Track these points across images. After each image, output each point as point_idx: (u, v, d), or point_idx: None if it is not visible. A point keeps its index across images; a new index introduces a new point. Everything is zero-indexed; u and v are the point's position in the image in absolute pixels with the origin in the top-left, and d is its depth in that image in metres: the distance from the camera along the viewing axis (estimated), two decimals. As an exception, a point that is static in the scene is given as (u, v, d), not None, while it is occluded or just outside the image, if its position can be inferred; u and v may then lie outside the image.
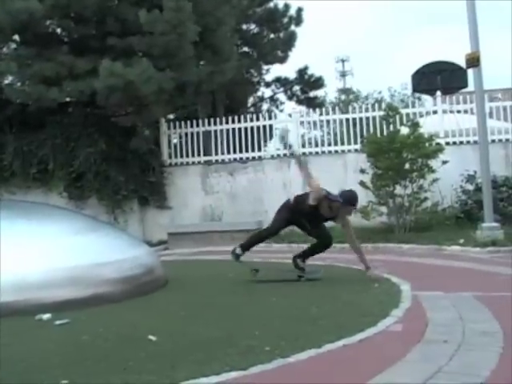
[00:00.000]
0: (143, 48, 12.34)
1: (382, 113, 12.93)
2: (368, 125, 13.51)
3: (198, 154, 14.36)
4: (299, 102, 20.63)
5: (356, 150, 13.23)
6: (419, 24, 72.12)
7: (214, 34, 13.25)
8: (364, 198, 11.78)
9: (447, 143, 12.68)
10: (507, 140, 12.92)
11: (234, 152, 14.13)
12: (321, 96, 22.05)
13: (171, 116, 16.68)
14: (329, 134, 15.20)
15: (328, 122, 14.76)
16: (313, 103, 20.01)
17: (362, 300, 5.81)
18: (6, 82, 13.41)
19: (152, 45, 12.15)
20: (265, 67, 20.27)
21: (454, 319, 4.79)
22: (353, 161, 13.02)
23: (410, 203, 11.60)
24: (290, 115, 14.94)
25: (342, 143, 13.82)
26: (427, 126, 12.28)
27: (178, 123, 14.75)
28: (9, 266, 5.84)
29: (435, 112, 13.76)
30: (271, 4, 19.03)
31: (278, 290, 6.56)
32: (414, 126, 11.77)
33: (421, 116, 13.43)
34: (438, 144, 11.76)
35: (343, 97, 40.15)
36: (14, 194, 13.45)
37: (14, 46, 13.52)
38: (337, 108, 15.82)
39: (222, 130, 14.34)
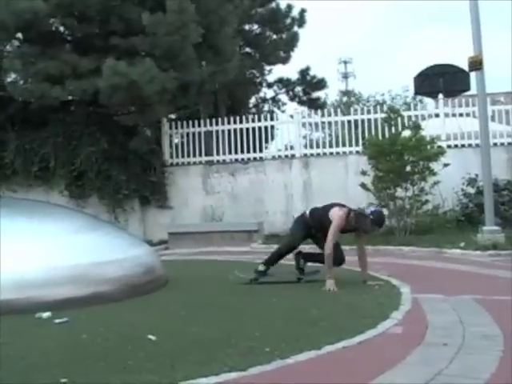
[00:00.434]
0: (146, 48, 12.33)
1: (383, 115, 12.94)
2: (369, 127, 13.50)
3: (200, 154, 14.36)
4: (301, 103, 20.61)
5: (357, 152, 13.23)
6: (421, 24, 72.05)
7: (216, 35, 13.25)
8: (365, 200, 11.80)
9: (449, 146, 12.67)
10: (509, 144, 12.92)
11: (236, 152, 14.13)
12: (323, 97, 22.02)
13: (173, 116, 16.67)
14: (330, 135, 15.19)
15: (330, 123, 14.74)
16: (315, 104, 19.97)
17: (362, 302, 5.81)
18: (9, 79, 13.40)
19: (155, 45, 12.15)
20: (267, 68, 20.24)
21: (454, 322, 4.79)
22: (354, 163, 13.02)
23: (410, 206, 11.60)
24: (291, 116, 14.94)
25: (344, 145, 13.81)
26: (429, 128, 12.29)
27: (179, 123, 14.76)
28: (9, 263, 5.85)
29: (437, 115, 13.78)
30: (273, 4, 19.00)
31: (278, 291, 6.56)
32: (416, 128, 11.77)
33: (423, 119, 13.42)
34: (439, 147, 11.74)
35: (345, 98, 40.15)
36: (15, 192, 13.45)
37: (17, 44, 13.50)
38: (338, 110, 15.80)
39: (223, 131, 14.34)
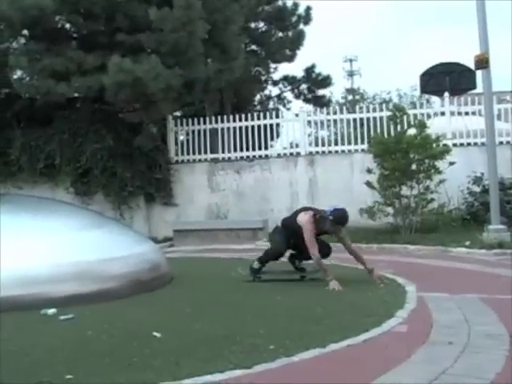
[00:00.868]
0: (152, 45, 12.33)
1: (389, 113, 12.90)
2: (375, 125, 13.48)
3: (205, 152, 14.36)
4: (306, 100, 20.60)
5: (363, 150, 13.21)
6: (427, 22, 71.91)
7: (222, 32, 13.23)
8: (370, 198, 11.80)
9: (454, 144, 12.65)
10: (515, 142, 12.88)
11: (241, 150, 14.13)
12: (328, 95, 22.01)
13: (178, 113, 16.67)
14: (336, 133, 15.17)
15: (335, 121, 14.71)
16: (320, 102, 19.97)
17: (367, 300, 5.81)
18: (15, 76, 13.42)
19: (161, 42, 12.14)
20: (272, 65, 20.23)
21: (459, 321, 4.78)
22: (359, 161, 13.01)
23: (416, 204, 11.57)
24: (297, 114, 14.93)
25: (349, 143, 13.79)
26: (435, 127, 12.27)
27: (185, 120, 14.76)
28: (15, 260, 5.87)
29: (443, 113, 13.74)
30: (280, 2, 18.99)
31: (282, 289, 6.56)
32: (421, 126, 11.74)
33: (428, 117, 13.39)
34: (445, 145, 11.72)
35: (350, 97, 40.09)
36: (20, 189, 13.47)
37: (23, 40, 13.51)
38: (344, 108, 15.78)
39: (229, 128, 14.34)
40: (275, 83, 20.88)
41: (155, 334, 4.52)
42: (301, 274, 7.26)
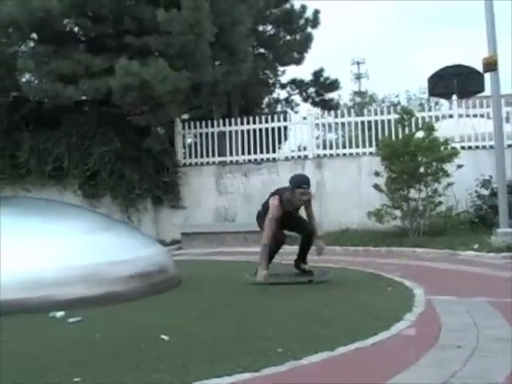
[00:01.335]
0: (159, 47, 12.35)
1: (397, 116, 12.88)
2: (383, 128, 13.45)
3: (213, 155, 14.37)
4: (314, 104, 20.60)
5: (371, 153, 13.18)
6: (435, 25, 71.73)
7: (230, 35, 13.24)
8: (378, 201, 11.78)
9: (462, 147, 12.61)
10: (524, 145, 12.83)
11: (249, 153, 14.12)
12: (336, 98, 22.02)
13: (186, 116, 16.70)
14: (343, 136, 15.15)
15: (343, 124, 14.69)
16: (328, 105, 19.96)
17: (375, 303, 5.79)
18: (24, 79, 13.47)
19: (168, 44, 12.16)
20: (280, 68, 20.27)
21: (467, 324, 4.76)
22: (367, 164, 12.98)
23: (424, 207, 11.54)
24: (304, 117, 14.92)
25: (357, 146, 13.77)
26: (443, 129, 12.23)
27: (192, 123, 14.77)
28: (22, 263, 5.88)
29: (451, 116, 13.71)
30: (288, 5, 19.02)
31: (290, 291, 6.55)
32: (429, 129, 11.71)
33: (436, 120, 13.36)
34: (453, 148, 11.69)
35: (358, 99, 40.10)
36: (29, 192, 13.52)
37: (31, 44, 13.57)
38: (352, 110, 15.77)
39: (236, 131, 14.34)
40: (283, 86, 20.90)
41: (163, 336, 4.52)
42: (308, 278, 7.24)
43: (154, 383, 3.53)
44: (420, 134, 11.75)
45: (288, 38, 19.05)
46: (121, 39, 12.60)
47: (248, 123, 14.27)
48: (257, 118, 14.28)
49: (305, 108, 20.80)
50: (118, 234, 7.39)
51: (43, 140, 13.56)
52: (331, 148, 13.99)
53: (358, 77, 44.92)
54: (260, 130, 14.15)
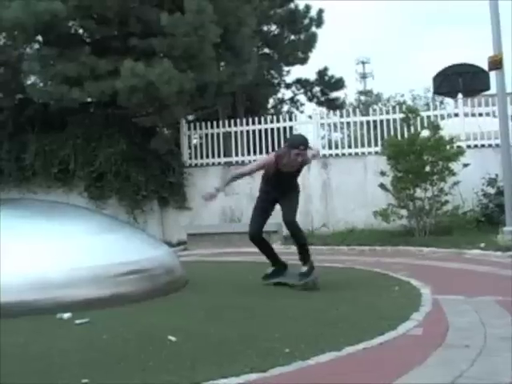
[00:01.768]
0: (164, 49, 12.37)
1: (402, 115, 12.86)
2: (388, 127, 13.44)
3: (218, 155, 14.38)
4: (319, 103, 20.61)
5: (376, 153, 13.17)
6: (441, 23, 71.68)
7: (234, 36, 13.26)
8: (384, 200, 11.77)
9: (468, 146, 12.58)
10: (530, 143, 12.80)
11: (254, 153, 14.11)
12: (342, 98, 22.01)
13: (191, 117, 16.71)
14: (349, 136, 15.15)
15: (348, 124, 14.69)
16: (333, 105, 19.96)
17: (382, 303, 5.78)
18: (29, 82, 13.51)
19: (173, 46, 12.18)
20: (285, 68, 20.28)
21: (475, 324, 4.75)
22: (373, 163, 12.96)
23: (430, 206, 11.53)
24: (310, 117, 14.92)
25: (363, 145, 13.76)
26: (448, 128, 12.20)
27: (198, 124, 14.78)
28: (29, 264, 5.89)
29: (456, 115, 13.68)
30: (292, 5, 19.04)
31: (297, 291, 6.54)
32: (435, 128, 11.70)
33: (442, 118, 13.34)
34: (458, 147, 11.67)
35: (363, 98, 40.08)
36: (35, 194, 13.58)
37: (36, 46, 13.62)
38: (357, 110, 15.75)
39: (242, 132, 14.34)
40: (288, 86, 20.90)
41: (170, 337, 4.52)
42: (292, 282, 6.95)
43: (161, 384, 3.54)
44: (425, 133, 11.74)
45: (292, 37, 19.08)
46: (126, 41, 12.64)
47: (253, 123, 14.28)
48: (262, 119, 14.27)
49: (310, 108, 20.85)
50: (125, 235, 7.39)
51: (49, 142, 13.61)
52: (337, 148, 13.98)
53: (363, 76, 44.89)
54: (265, 130, 14.15)
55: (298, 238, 6.88)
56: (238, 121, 14.53)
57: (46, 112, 13.43)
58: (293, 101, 21.50)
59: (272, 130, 14.10)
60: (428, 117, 13.09)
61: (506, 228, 9.98)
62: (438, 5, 63.46)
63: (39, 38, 13.30)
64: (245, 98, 17.78)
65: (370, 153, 13.47)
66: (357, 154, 13.67)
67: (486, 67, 11.11)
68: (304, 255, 6.82)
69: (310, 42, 18.86)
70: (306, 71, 20.56)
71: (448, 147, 11.43)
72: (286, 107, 21.64)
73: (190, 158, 14.54)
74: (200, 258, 10.83)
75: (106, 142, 13.47)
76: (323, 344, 4.21)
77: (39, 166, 13.61)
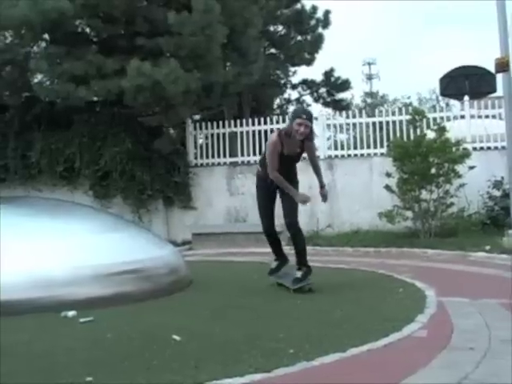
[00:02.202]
0: (171, 48, 12.37)
1: (408, 117, 12.84)
2: (394, 128, 13.42)
3: (224, 155, 14.36)
4: (325, 104, 20.60)
5: (382, 154, 13.15)
6: (449, 24, 71.55)
7: (241, 36, 13.25)
8: (389, 202, 11.75)
9: (474, 148, 12.56)
10: (536, 146, 12.76)
11: (260, 154, 14.09)
12: (347, 99, 22.00)
13: (197, 117, 16.72)
14: (355, 137, 15.13)
15: (354, 125, 14.68)
16: (339, 106, 19.95)
17: (387, 305, 5.78)
18: (36, 80, 13.54)
19: (180, 45, 12.18)
20: (291, 69, 20.27)
21: (479, 326, 4.74)
22: (378, 164, 12.95)
23: (435, 208, 11.51)
24: (316, 118, 14.88)
25: (368, 147, 13.74)
26: (454, 130, 12.18)
27: (204, 124, 14.77)
28: (34, 262, 5.91)
29: (463, 117, 13.65)
30: (298, 6, 19.03)
31: (302, 292, 6.53)
32: (441, 130, 11.68)
33: (448, 120, 13.30)
34: (464, 149, 11.65)
35: (369, 100, 40.07)
36: (40, 192, 13.60)
37: (44, 44, 13.65)
38: (363, 111, 15.73)
39: (247, 132, 14.33)
40: (294, 87, 20.89)
41: (175, 337, 4.52)
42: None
43: (165, 383, 3.54)
44: (431, 135, 11.72)
45: (299, 38, 19.07)
46: (132, 40, 12.65)
47: (259, 124, 14.26)
48: (268, 119, 14.25)
49: (316, 109, 20.81)
50: (130, 234, 7.40)
51: (55, 140, 13.64)
52: (342, 149, 13.96)
53: (370, 77, 44.88)
54: (271, 130, 14.10)
55: (298, 241, 6.77)
56: (244, 121, 14.52)
57: (52, 110, 13.46)
58: (299, 101, 21.46)
59: (278, 130, 14.04)
60: (434, 119, 13.06)
61: (512, 231, 9.96)
62: (446, 6, 63.44)
63: (46, 36, 13.32)
64: (251, 98, 17.77)
65: (375, 154, 13.45)
66: (362, 155, 13.65)
67: (492, 69, 11.08)
68: (301, 259, 6.70)
69: (317, 42, 18.85)
70: (313, 72, 20.53)
71: (454, 149, 11.42)
72: (291, 108, 21.61)
73: (196, 158, 14.54)
74: (205, 258, 10.84)
75: (111, 141, 13.48)
76: (327, 345, 4.21)
77: (45, 164, 13.64)
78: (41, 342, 4.60)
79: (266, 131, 14.10)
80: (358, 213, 12.90)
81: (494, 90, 15.02)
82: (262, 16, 14.33)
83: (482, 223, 11.85)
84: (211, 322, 5.15)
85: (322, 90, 20.42)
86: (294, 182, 6.81)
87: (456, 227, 11.64)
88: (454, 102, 19.41)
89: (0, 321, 5.02)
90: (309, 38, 18.96)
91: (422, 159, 11.31)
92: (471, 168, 11.38)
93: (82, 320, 5.26)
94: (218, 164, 14.37)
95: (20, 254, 5.92)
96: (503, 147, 11.80)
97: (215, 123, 14.57)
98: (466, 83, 15.47)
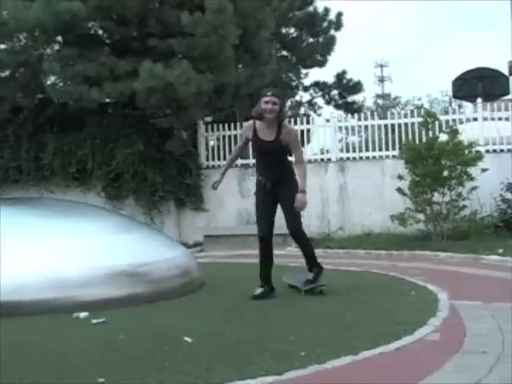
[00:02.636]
0: (183, 50, 12.40)
1: (420, 119, 12.79)
2: (406, 131, 13.38)
3: (235, 157, 14.34)
4: (337, 106, 20.55)
5: (394, 156, 13.11)
6: (461, 27, 71.42)
7: (253, 38, 13.26)
8: (401, 204, 11.71)
9: (487, 151, 12.50)
10: (549, 149, 12.70)
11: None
12: (359, 101, 21.94)
13: (209, 118, 16.73)
14: (366, 139, 15.10)
15: (366, 127, 14.67)
16: (351, 108, 19.92)
17: (399, 307, 5.76)
18: (49, 82, 13.60)
19: (192, 47, 12.20)
20: (303, 71, 20.24)
21: (492, 330, 4.71)
22: (390, 167, 12.92)
23: (447, 211, 11.47)
24: (327, 120, 14.88)
25: (380, 149, 13.71)
26: (467, 133, 12.13)
27: (215, 126, 14.78)
28: (47, 263, 5.93)
29: (475, 119, 13.59)
30: (311, 8, 19.03)
31: (313, 294, 6.52)
32: (453, 132, 11.64)
33: (460, 123, 13.26)
34: (477, 151, 11.60)
35: (381, 102, 39.99)
36: (53, 193, 13.66)
37: (57, 46, 13.71)
38: (375, 113, 15.70)
39: (259, 134, 14.30)
40: (306, 89, 20.86)
41: (186, 338, 4.53)
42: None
43: (177, 385, 3.55)
44: (444, 138, 11.68)
45: (311, 40, 19.07)
46: (145, 42, 12.69)
47: (271, 126, 14.22)
48: (279, 121, 14.21)
49: (328, 111, 20.80)
50: (142, 235, 7.42)
51: (67, 142, 13.68)
52: (354, 151, 13.94)
53: (382, 80, 44.80)
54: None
55: (305, 247, 6.67)
56: (256, 123, 14.49)
57: (64, 112, 13.51)
58: (310, 103, 21.44)
59: (289, 132, 14.03)
60: (446, 121, 13.02)
61: (525, 234, 9.91)
62: (458, 8, 63.25)
63: (59, 38, 13.38)
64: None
65: (387, 156, 13.42)
66: (374, 157, 13.62)
67: (506, 71, 11.04)
68: (310, 261, 6.65)
69: (329, 44, 18.83)
70: (324, 74, 20.51)
71: (466, 152, 11.36)
72: (303, 110, 21.58)
73: (207, 160, 14.55)
74: (216, 260, 10.85)
75: (123, 142, 13.52)
76: (339, 348, 4.20)
77: (57, 165, 13.69)
78: (53, 343, 4.61)
79: (277, 133, 14.07)
80: (370, 215, 12.88)
81: (508, 93, 14.96)
82: (275, 18, 14.33)
83: (494, 226, 11.80)
84: (222, 324, 5.15)
85: (334, 92, 20.38)
86: (290, 178, 6.56)
87: (468, 230, 11.58)
88: (466, 104, 19.34)
89: (13, 321, 5.05)
90: (321, 40, 18.95)
91: (434, 162, 11.27)
92: (484, 170, 11.32)
93: (94, 321, 5.27)
94: (230, 166, 14.35)
95: (34, 255, 5.94)
96: (516, 150, 11.76)
97: (227, 125, 14.57)
98: (479, 85, 15.42)
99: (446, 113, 14.22)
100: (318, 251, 10.90)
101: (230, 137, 14.50)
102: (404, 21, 73.73)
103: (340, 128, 14.50)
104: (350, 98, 20.43)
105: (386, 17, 71.32)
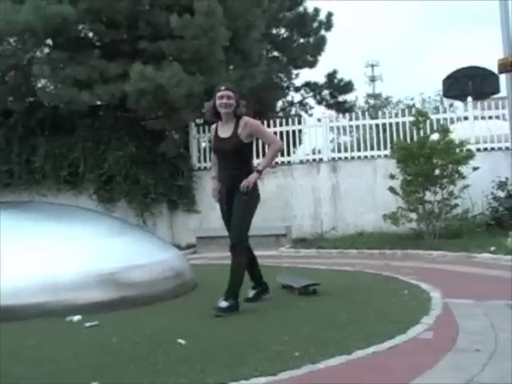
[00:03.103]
0: (173, 52, 12.39)
1: (411, 118, 12.82)
2: (398, 130, 13.42)
3: (227, 159, 14.34)
4: (328, 106, 20.56)
5: (386, 156, 13.14)
6: (451, 26, 71.63)
7: (244, 39, 13.27)
8: (393, 203, 11.73)
9: (478, 149, 12.54)
10: (540, 146, 12.74)
11: (263, 156, 14.07)
12: (350, 100, 21.98)
13: (201, 120, 16.72)
14: (358, 139, 15.12)
15: (357, 127, 14.69)
16: (342, 108, 19.96)
17: (392, 307, 5.76)
18: (39, 85, 13.57)
19: (182, 49, 12.20)
20: (294, 72, 20.25)
21: (485, 328, 4.72)
22: (382, 166, 12.95)
23: (439, 210, 11.49)
24: (319, 120, 14.88)
25: (372, 149, 13.75)
26: (458, 132, 12.17)
27: (207, 127, 14.76)
28: (39, 267, 5.91)
29: (466, 118, 13.62)
30: (301, 8, 19.06)
31: (306, 295, 6.52)
32: (445, 131, 11.67)
33: (452, 122, 13.30)
34: (468, 150, 11.63)
35: (372, 102, 40.05)
36: (44, 197, 13.62)
37: (47, 50, 13.67)
38: (366, 113, 15.73)
39: (251, 135, 14.30)
40: (297, 89, 20.88)
41: (180, 340, 4.52)
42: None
43: (171, 387, 3.55)
44: (435, 137, 11.71)
45: (301, 40, 19.11)
46: (135, 44, 12.67)
47: (262, 127, 14.23)
48: (271, 122, 14.24)
49: (319, 111, 20.80)
50: (134, 238, 7.41)
51: (59, 145, 13.65)
52: (346, 151, 13.97)
53: (372, 79, 44.86)
54: (274, 133, 14.11)
55: (236, 267, 6.08)
56: (247, 124, 14.49)
57: (55, 115, 13.48)
58: (302, 104, 21.45)
59: (281, 132, 14.07)
60: (438, 120, 13.06)
61: (516, 231, 9.93)
62: (448, 7, 63.41)
63: (49, 41, 13.34)
64: (253, 101, 17.74)
65: (379, 156, 13.46)
66: (366, 157, 13.64)
67: (496, 70, 11.07)
68: (230, 287, 5.94)
69: (319, 45, 18.87)
70: (315, 74, 20.53)
71: (458, 150, 11.39)
72: (294, 110, 21.59)
73: (199, 162, 14.54)
74: (209, 261, 10.84)
75: (115, 145, 13.50)
76: (333, 348, 4.20)
77: (49, 168, 13.66)
78: (47, 347, 4.60)
79: (269, 134, 14.07)
80: (363, 215, 12.91)
81: (498, 91, 15.00)
82: (265, 19, 14.34)
83: (486, 224, 11.83)
84: (216, 326, 5.15)
85: (325, 92, 20.40)
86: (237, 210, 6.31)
87: (460, 228, 11.62)
88: (457, 103, 19.38)
89: (7, 325, 5.04)
90: (311, 40, 18.99)
91: (425, 161, 11.29)
92: (475, 169, 11.36)
93: (87, 324, 5.26)
94: (222, 167, 14.34)
95: (25, 259, 5.92)
96: (507, 148, 11.82)
97: (218, 127, 14.54)
98: (469, 84, 15.45)
99: (437, 112, 14.26)
100: (311, 251, 10.99)
101: (221, 138, 14.47)
102: (394, 20, 73.91)
103: (331, 128, 14.51)
104: (341, 98, 20.47)
105: (377, 17, 71.49)
